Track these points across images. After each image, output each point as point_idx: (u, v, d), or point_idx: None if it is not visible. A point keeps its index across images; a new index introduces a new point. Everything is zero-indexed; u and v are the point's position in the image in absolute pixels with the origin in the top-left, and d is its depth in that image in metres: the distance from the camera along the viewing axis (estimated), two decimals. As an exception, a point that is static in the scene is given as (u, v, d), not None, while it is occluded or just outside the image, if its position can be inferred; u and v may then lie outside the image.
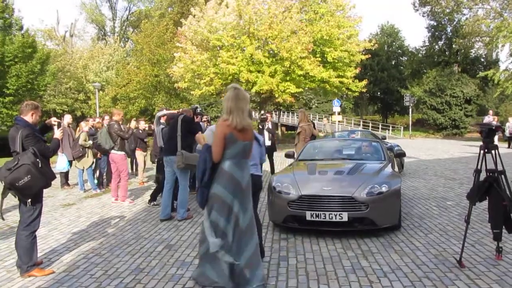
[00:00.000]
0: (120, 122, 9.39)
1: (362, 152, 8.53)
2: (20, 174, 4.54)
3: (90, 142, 10.46)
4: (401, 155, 9.64)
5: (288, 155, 9.00)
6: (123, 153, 9.21)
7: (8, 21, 26.51)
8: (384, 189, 6.07)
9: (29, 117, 4.88)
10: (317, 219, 5.92)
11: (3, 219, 5.11)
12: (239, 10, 23.54)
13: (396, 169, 8.05)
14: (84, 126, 10.87)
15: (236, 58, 23.39)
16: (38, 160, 4.66)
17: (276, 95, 24.87)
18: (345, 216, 5.84)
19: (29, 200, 4.72)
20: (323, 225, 5.97)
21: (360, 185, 6.10)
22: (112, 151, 9.12)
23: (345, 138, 12.76)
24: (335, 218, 5.86)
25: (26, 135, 4.72)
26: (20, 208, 4.83)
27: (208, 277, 4.21)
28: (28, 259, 4.82)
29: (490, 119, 22.22)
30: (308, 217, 5.96)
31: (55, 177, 5.06)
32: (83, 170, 10.79)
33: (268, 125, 12.10)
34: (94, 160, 10.82)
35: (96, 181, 11.10)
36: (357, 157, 8.14)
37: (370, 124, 42.92)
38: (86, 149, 10.54)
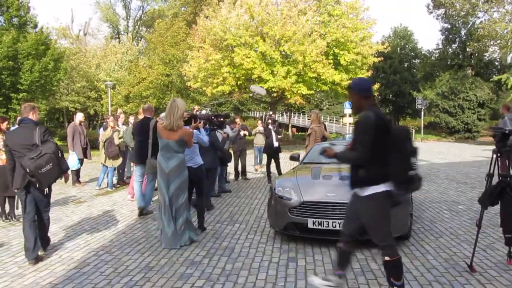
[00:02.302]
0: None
1: None
2: (43, 162, 4.99)
3: (121, 140, 10.64)
4: None
5: (293, 158, 8.57)
6: None
7: (23, 19, 26.74)
8: None
9: (31, 116, 5.42)
10: (319, 227, 5.61)
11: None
12: (251, 12, 23.57)
13: None
14: (113, 125, 10.86)
15: (249, 57, 23.44)
16: (58, 150, 5.19)
17: (288, 96, 24.87)
18: None
19: (46, 188, 5.28)
20: (326, 234, 5.61)
21: None
22: None
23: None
24: (339, 227, 5.41)
25: (44, 130, 5.31)
26: (37, 200, 5.30)
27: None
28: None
29: None
30: (310, 225, 5.65)
31: (68, 168, 5.60)
32: (107, 167, 10.87)
33: (275, 126, 12.12)
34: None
35: (115, 179, 11.31)
36: None
37: (382, 127, 42.63)
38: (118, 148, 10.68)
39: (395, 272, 3.77)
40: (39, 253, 5.36)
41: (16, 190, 5.44)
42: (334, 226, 5.53)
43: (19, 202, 5.57)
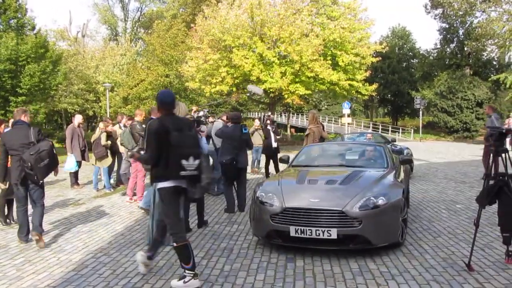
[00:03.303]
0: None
1: (363, 158, 7.68)
2: (43, 157, 5.71)
3: (109, 142, 10.60)
4: (407, 161, 8.10)
5: (281, 160, 8.12)
6: None
7: (21, 21, 26.67)
8: (381, 202, 5.33)
9: (24, 118, 6.07)
10: (302, 235, 5.21)
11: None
12: (252, 13, 23.61)
13: (402, 176, 7.11)
14: (103, 127, 10.87)
15: (248, 58, 23.49)
16: (52, 147, 5.92)
17: (285, 96, 24.89)
18: (334, 233, 5.11)
19: (42, 181, 5.93)
20: (310, 243, 5.27)
21: (353, 197, 5.34)
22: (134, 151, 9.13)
23: (346, 142, 11.67)
24: (323, 235, 5.13)
25: (38, 130, 5.98)
26: (33, 192, 5.97)
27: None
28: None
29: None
30: (293, 233, 5.26)
31: (58, 163, 6.23)
32: (99, 168, 10.86)
33: (274, 126, 12.14)
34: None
35: (113, 181, 11.27)
36: (357, 163, 7.29)
37: (380, 127, 42.75)
38: (107, 149, 10.66)
39: (183, 256, 4.40)
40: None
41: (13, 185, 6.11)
42: (318, 234, 5.16)
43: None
